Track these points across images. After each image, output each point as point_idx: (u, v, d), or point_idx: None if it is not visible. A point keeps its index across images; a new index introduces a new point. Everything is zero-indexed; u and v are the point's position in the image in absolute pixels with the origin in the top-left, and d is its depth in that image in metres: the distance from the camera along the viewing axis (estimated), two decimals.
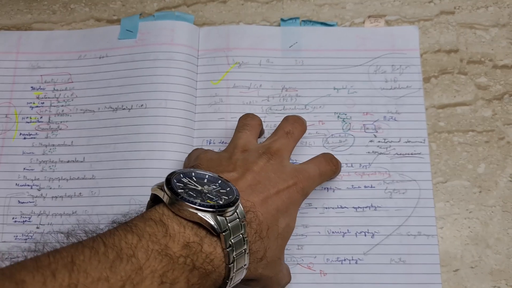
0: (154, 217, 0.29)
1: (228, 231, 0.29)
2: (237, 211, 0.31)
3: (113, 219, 0.31)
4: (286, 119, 0.44)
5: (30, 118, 0.50)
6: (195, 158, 0.40)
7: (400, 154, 0.47)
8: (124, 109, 0.48)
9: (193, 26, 0.51)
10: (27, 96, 0.50)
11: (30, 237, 0.46)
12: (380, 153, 0.47)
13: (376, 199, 0.46)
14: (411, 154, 0.47)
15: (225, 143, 0.47)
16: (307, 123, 0.48)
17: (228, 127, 0.48)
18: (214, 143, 0.47)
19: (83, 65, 0.50)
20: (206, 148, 0.45)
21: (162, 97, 0.47)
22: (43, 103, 0.50)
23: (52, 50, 0.51)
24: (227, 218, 0.30)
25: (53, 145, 0.48)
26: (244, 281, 0.33)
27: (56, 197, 0.47)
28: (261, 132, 0.46)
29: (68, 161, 0.48)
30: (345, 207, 0.46)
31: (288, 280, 0.41)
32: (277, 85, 0.49)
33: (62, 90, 0.50)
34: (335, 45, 0.50)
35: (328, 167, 0.43)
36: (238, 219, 0.30)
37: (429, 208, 0.45)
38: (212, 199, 0.30)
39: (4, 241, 0.46)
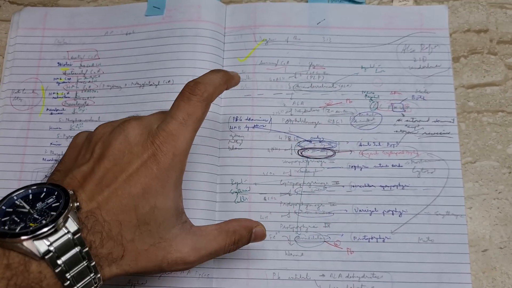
0: None
1: (52, 253, 0.28)
2: (67, 225, 0.28)
3: None
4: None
5: (57, 93, 0.49)
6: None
7: (429, 133, 0.45)
8: (151, 85, 0.47)
9: (220, 3, 0.49)
10: (53, 72, 0.49)
11: None
12: (408, 132, 0.45)
13: (404, 178, 0.44)
14: (440, 133, 0.45)
15: (252, 120, 0.46)
16: (335, 101, 0.46)
17: (255, 104, 0.47)
18: (241, 120, 0.46)
19: (110, 41, 0.49)
20: None
21: (189, 73, 0.46)
22: (70, 79, 0.49)
23: (78, 27, 0.50)
24: (50, 238, 0.28)
25: (80, 120, 0.47)
26: (128, 276, 0.32)
27: None
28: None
29: None
30: (373, 185, 0.44)
31: (218, 245, 0.35)
32: (304, 62, 0.48)
33: (89, 66, 0.49)
34: (363, 23, 0.49)
35: (188, 106, 0.33)
36: (69, 235, 0.28)
37: (458, 188, 0.44)
38: (37, 219, 0.28)
39: None
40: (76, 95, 0.48)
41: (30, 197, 0.30)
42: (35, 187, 0.31)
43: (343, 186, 0.44)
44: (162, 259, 0.32)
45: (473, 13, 0.49)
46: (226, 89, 0.38)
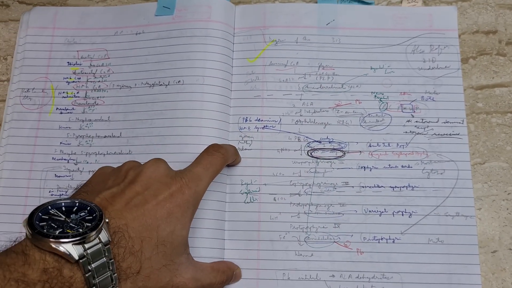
0: (16, 249, 0.30)
1: (85, 258, 0.30)
2: (100, 236, 0.31)
3: None
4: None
5: (67, 93, 0.48)
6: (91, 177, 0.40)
7: (438, 134, 0.45)
8: (161, 85, 0.46)
9: (229, 3, 0.49)
10: (63, 71, 0.49)
11: None
12: (418, 133, 0.45)
13: (414, 179, 0.44)
14: (449, 134, 0.45)
15: (261, 120, 0.46)
16: (344, 102, 0.46)
17: (264, 105, 0.46)
18: (250, 121, 0.46)
19: (120, 41, 0.49)
20: None
21: (199, 74, 0.46)
22: (80, 78, 0.48)
23: (88, 26, 0.50)
24: (85, 245, 0.30)
25: (90, 120, 0.47)
26: None
27: (93, 171, 0.45)
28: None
29: (105, 136, 0.46)
30: (382, 186, 0.44)
31: (210, 280, 0.39)
32: (313, 63, 0.47)
33: (99, 66, 0.49)
34: (372, 23, 0.48)
35: (212, 159, 0.40)
36: (100, 244, 0.31)
37: (467, 189, 0.43)
38: (73, 228, 0.31)
39: None
40: (86, 94, 0.48)
41: (63, 208, 0.33)
42: (66, 201, 0.33)
43: (353, 186, 0.44)
44: (169, 281, 0.35)
45: (482, 14, 0.49)
46: (232, 163, 0.44)
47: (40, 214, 0.32)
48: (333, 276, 0.42)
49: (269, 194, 0.44)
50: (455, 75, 0.47)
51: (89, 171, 0.45)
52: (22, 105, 0.48)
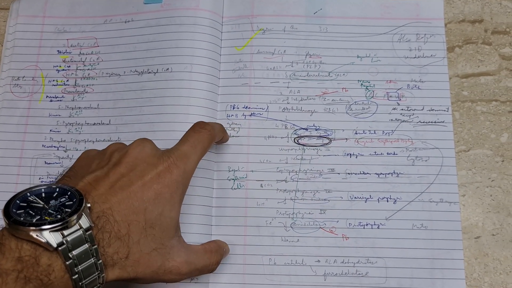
0: None
1: (65, 246, 0.28)
2: (80, 221, 0.29)
3: None
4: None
5: (57, 81, 0.48)
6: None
7: (423, 122, 0.45)
8: (149, 72, 0.46)
9: None
10: (53, 59, 0.48)
11: None
12: (403, 121, 0.45)
13: (399, 166, 0.44)
14: (434, 122, 0.45)
15: (249, 108, 0.46)
16: (331, 90, 0.46)
17: (252, 93, 0.46)
18: (238, 108, 0.46)
19: (109, 29, 0.49)
20: None
21: (187, 62, 0.46)
22: (69, 66, 0.48)
23: (77, 15, 0.49)
24: (64, 232, 0.29)
25: (79, 107, 0.47)
26: (125, 281, 0.33)
27: None
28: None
29: (94, 124, 0.46)
30: (368, 173, 0.44)
31: (204, 262, 0.37)
32: (301, 51, 0.47)
33: (88, 54, 0.48)
34: (359, 13, 0.48)
35: (199, 136, 0.38)
36: (81, 231, 0.29)
37: (451, 176, 0.43)
38: (52, 214, 0.29)
39: None
40: (75, 82, 0.48)
41: (43, 195, 0.31)
42: (45, 187, 0.32)
43: (339, 173, 0.44)
44: (160, 266, 0.34)
45: (468, 3, 0.49)
46: (219, 141, 0.43)
47: (18, 201, 0.30)
48: (318, 261, 0.42)
49: (256, 180, 0.44)
50: (440, 63, 0.46)
51: None
52: (12, 93, 0.48)
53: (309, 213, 0.43)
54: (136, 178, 0.33)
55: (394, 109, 0.45)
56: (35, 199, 0.31)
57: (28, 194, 0.31)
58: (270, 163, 0.44)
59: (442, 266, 0.41)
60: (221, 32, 0.48)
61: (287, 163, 0.44)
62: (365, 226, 0.43)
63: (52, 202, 0.30)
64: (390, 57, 0.47)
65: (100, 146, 0.45)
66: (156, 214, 0.33)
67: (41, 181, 0.45)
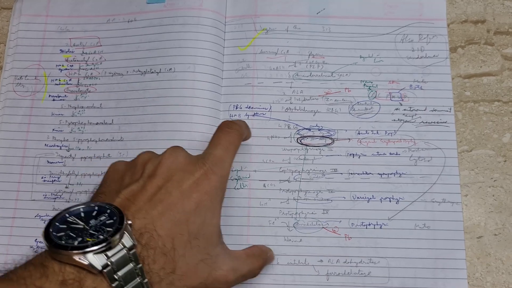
0: (35, 261, 0.28)
1: (110, 267, 0.27)
2: (123, 240, 0.28)
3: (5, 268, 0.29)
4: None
5: (59, 80, 0.47)
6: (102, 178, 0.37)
7: (426, 122, 0.45)
8: (152, 72, 0.46)
9: None
10: (56, 58, 0.48)
11: (59, 196, 0.44)
12: (406, 121, 0.45)
13: (401, 166, 0.44)
14: (437, 122, 0.45)
15: (252, 108, 0.45)
16: (333, 90, 0.46)
17: (255, 93, 0.46)
18: (241, 108, 0.45)
19: (112, 28, 0.48)
20: None
21: (190, 61, 0.45)
22: (72, 66, 0.48)
23: (80, 14, 0.49)
24: (108, 253, 0.27)
25: (82, 107, 0.46)
26: None
27: (85, 158, 0.45)
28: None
29: (97, 123, 0.46)
30: (370, 173, 0.44)
31: (248, 267, 0.36)
32: (304, 51, 0.47)
33: (91, 53, 0.48)
34: (362, 12, 0.48)
35: (229, 137, 0.37)
36: (125, 250, 0.28)
37: (454, 176, 0.43)
38: (93, 235, 0.28)
39: (34, 200, 0.44)
40: (78, 82, 0.47)
41: (82, 214, 0.30)
42: (83, 206, 0.30)
43: (342, 173, 0.44)
44: (207, 276, 0.33)
45: (471, 4, 0.48)
46: (244, 138, 0.41)
47: (57, 224, 0.29)
48: (321, 261, 0.42)
49: (259, 180, 0.44)
50: (443, 64, 0.46)
51: (81, 158, 0.45)
52: (15, 92, 0.47)
53: (312, 213, 0.43)
54: (174, 189, 0.32)
55: (396, 109, 0.45)
56: (74, 219, 0.30)
57: (67, 215, 0.30)
58: (273, 163, 0.44)
59: (444, 266, 0.41)
60: (224, 32, 0.47)
61: (290, 163, 0.44)
62: (367, 226, 0.42)
63: (92, 221, 0.29)
64: (393, 58, 0.46)
65: (103, 146, 0.45)
66: (198, 224, 0.32)
67: (44, 180, 0.45)
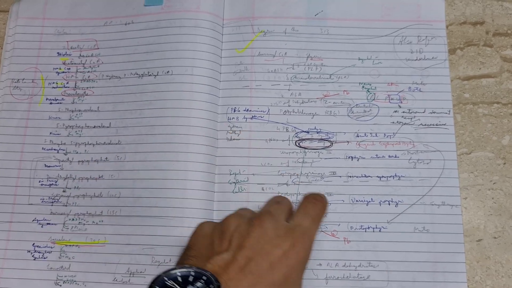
0: None
1: None
2: None
3: None
4: (274, 196, 0.41)
5: (57, 83, 0.47)
6: (189, 240, 0.38)
7: (425, 124, 0.44)
8: (150, 75, 0.46)
9: None
10: (53, 61, 0.48)
11: (56, 200, 0.44)
12: (405, 124, 0.44)
13: (400, 169, 0.43)
14: (436, 125, 0.44)
15: (250, 110, 0.45)
16: (332, 93, 0.45)
17: (253, 95, 0.45)
18: (239, 111, 0.45)
19: (109, 31, 0.48)
20: None
21: (188, 64, 0.45)
22: (69, 69, 0.47)
23: (77, 17, 0.49)
24: None
25: (80, 110, 0.46)
26: None
27: (82, 161, 0.45)
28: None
29: (94, 127, 0.45)
30: (369, 176, 0.43)
31: None
32: (302, 54, 0.46)
33: (88, 56, 0.48)
34: (360, 14, 0.47)
35: (316, 208, 0.39)
36: None
37: (453, 179, 0.43)
38: None
39: (31, 204, 0.44)
40: (75, 85, 0.47)
41: (179, 279, 0.31)
42: (179, 269, 0.32)
43: (340, 176, 0.43)
44: None
45: (470, 5, 0.48)
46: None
47: (157, 287, 0.31)
48: (320, 264, 0.41)
49: (257, 184, 0.43)
50: (442, 66, 0.46)
51: (79, 161, 0.45)
52: (12, 95, 0.47)
53: None
54: (264, 261, 0.33)
55: (395, 111, 0.45)
56: (173, 284, 0.31)
57: (165, 278, 0.31)
58: (272, 166, 0.44)
59: (444, 269, 0.41)
60: (222, 34, 0.47)
61: (288, 166, 0.44)
62: (366, 229, 0.42)
63: (190, 287, 0.31)
64: (392, 60, 0.46)
65: (100, 149, 0.44)
66: None
67: (41, 184, 0.44)
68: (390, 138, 0.44)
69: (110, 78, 0.46)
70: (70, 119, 0.46)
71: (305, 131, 0.44)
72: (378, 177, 0.43)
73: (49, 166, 0.45)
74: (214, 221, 0.40)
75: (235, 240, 0.35)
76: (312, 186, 0.43)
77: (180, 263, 0.35)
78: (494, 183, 0.43)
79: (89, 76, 0.47)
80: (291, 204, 0.40)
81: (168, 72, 0.45)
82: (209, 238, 0.36)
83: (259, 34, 0.47)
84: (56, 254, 0.43)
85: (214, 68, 0.46)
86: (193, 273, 0.31)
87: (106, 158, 0.44)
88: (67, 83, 0.47)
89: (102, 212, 0.43)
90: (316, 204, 0.39)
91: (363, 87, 0.46)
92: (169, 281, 0.31)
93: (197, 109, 0.44)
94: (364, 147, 0.44)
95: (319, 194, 0.40)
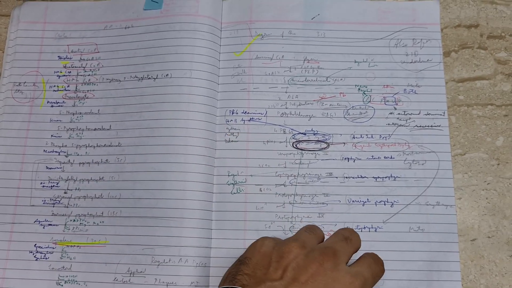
0: None
1: None
2: None
3: None
4: (343, 228, 0.40)
5: (57, 86, 0.48)
6: (247, 252, 0.38)
7: (420, 126, 0.45)
8: (149, 78, 0.46)
9: None
10: (54, 65, 0.48)
11: (58, 201, 0.45)
12: (400, 125, 0.45)
13: (396, 170, 0.44)
14: (431, 126, 0.45)
15: (248, 113, 0.46)
16: (328, 95, 0.46)
17: (251, 98, 0.46)
18: (237, 113, 0.46)
19: (109, 35, 0.49)
20: None
21: (186, 67, 0.46)
22: (70, 72, 0.48)
23: (78, 21, 0.49)
24: None
25: (80, 113, 0.47)
26: None
27: (83, 163, 0.45)
28: None
29: (95, 129, 0.46)
30: (365, 177, 0.44)
31: None
32: (299, 57, 0.47)
33: (89, 59, 0.48)
34: (356, 18, 0.48)
35: (378, 269, 0.37)
36: None
37: (448, 179, 0.43)
38: None
39: (33, 205, 0.45)
40: (76, 88, 0.48)
41: None
42: None
43: (337, 177, 0.44)
44: None
45: (464, 8, 0.49)
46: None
47: None
48: None
49: (255, 185, 0.44)
50: (437, 68, 0.46)
51: (80, 163, 0.45)
52: (13, 98, 0.48)
53: (308, 216, 0.43)
54: None
55: (391, 113, 0.45)
56: None
57: None
58: (269, 168, 0.44)
59: (438, 268, 0.41)
60: (220, 38, 0.48)
61: (285, 167, 0.44)
62: (362, 229, 0.43)
63: None
64: (387, 62, 0.47)
65: (101, 151, 0.45)
66: None
67: (43, 186, 0.45)
68: (386, 139, 0.45)
69: (110, 81, 0.47)
70: (71, 122, 0.47)
71: (302, 133, 0.45)
72: (374, 177, 0.44)
73: (50, 168, 0.46)
74: (276, 238, 0.40)
75: (291, 270, 0.34)
76: (309, 187, 0.44)
77: (232, 274, 0.35)
78: (488, 184, 0.44)
79: (89, 79, 0.48)
80: (359, 244, 0.38)
81: (167, 75, 0.46)
82: (267, 258, 0.35)
83: (257, 38, 0.48)
84: (57, 255, 0.43)
85: (212, 71, 0.46)
86: None
87: (107, 160, 0.45)
88: (68, 86, 0.48)
89: (102, 213, 0.44)
90: (378, 263, 0.37)
91: (359, 89, 0.46)
92: None
93: (196, 112, 0.45)
94: (360, 148, 0.45)
95: (355, 233, 0.39)
